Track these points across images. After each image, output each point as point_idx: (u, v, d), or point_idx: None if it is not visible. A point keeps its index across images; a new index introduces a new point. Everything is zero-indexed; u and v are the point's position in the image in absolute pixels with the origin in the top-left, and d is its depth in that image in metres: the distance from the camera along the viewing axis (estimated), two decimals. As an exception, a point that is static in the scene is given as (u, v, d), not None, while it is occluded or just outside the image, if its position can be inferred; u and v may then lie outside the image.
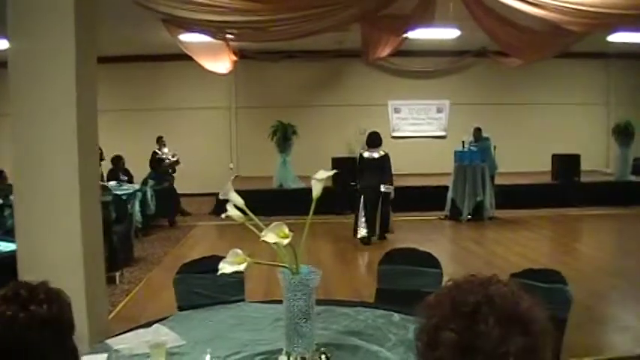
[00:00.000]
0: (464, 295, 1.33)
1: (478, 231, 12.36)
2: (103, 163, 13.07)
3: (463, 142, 13.76)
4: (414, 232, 12.28)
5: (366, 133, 11.82)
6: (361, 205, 11.24)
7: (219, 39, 12.66)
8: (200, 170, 16.10)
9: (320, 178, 2.54)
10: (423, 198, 14.16)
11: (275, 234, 2.33)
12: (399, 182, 13.40)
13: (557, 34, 12.12)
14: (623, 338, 6.00)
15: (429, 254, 3.89)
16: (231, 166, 17.84)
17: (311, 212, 2.55)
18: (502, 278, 1.39)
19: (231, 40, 12.93)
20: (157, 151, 13.95)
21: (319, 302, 3.36)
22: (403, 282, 3.73)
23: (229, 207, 2.55)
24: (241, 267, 2.37)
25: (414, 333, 1.41)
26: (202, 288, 3.70)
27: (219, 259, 2.44)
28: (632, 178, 16.52)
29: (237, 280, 3.68)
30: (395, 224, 11.77)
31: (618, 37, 14.94)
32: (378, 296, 3.87)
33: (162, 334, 3.01)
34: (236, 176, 17.15)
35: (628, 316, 6.82)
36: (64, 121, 4.50)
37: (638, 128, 16.09)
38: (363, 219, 11.14)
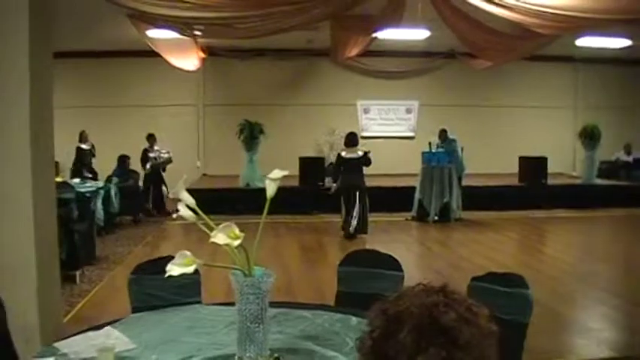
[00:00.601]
0: (397, 305, 1.32)
1: (444, 232, 12.35)
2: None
3: (430, 143, 13.74)
4: (380, 232, 12.23)
5: (341, 134, 12.81)
6: (342, 203, 11.75)
7: (186, 35, 12.54)
8: (167, 168, 15.91)
9: (274, 177, 2.45)
10: (391, 199, 14.12)
11: (225, 235, 2.24)
12: (367, 183, 13.41)
13: (525, 37, 12.17)
14: (587, 341, 5.97)
15: (390, 256, 3.82)
16: (199, 164, 17.68)
17: (265, 212, 2.46)
18: (455, 288, 1.36)
19: (199, 37, 12.83)
20: (147, 148, 13.79)
21: (277, 304, 3.29)
22: (363, 285, 3.65)
23: (181, 207, 2.45)
24: (190, 269, 2.28)
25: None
26: (157, 289, 3.58)
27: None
28: (598, 181, 16.68)
29: (193, 281, 3.56)
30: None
31: (586, 42, 15.07)
32: (337, 299, 3.79)
33: (112, 337, 2.91)
34: (203, 175, 17.02)
35: (592, 320, 6.81)
36: (17, 118, 4.36)
37: (604, 132, 16.22)
38: (349, 215, 11.54)
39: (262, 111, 16.27)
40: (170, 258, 2.39)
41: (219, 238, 2.23)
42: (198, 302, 3.60)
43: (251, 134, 14.36)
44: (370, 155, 11.72)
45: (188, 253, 2.28)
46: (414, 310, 1.27)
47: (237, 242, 2.23)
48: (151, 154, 13.86)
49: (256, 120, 14.63)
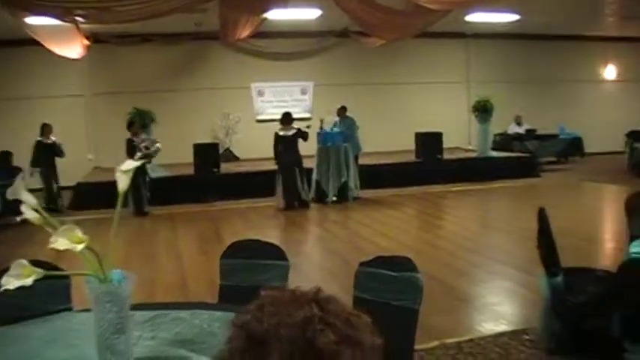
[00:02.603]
0: (259, 321, 1.10)
1: (343, 212, 12.29)
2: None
3: (322, 120, 13.54)
4: (278, 215, 12.09)
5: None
6: (280, 179, 12.50)
7: (67, 22, 11.98)
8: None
9: (126, 169, 2.18)
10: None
11: (67, 239, 1.97)
12: (265, 166, 13.25)
13: (416, 14, 12.18)
14: (484, 317, 5.96)
15: (274, 245, 3.61)
16: (90, 157, 17.01)
17: (118, 207, 2.19)
18: (328, 293, 1.16)
19: (81, 22, 12.25)
20: (132, 138, 12.87)
21: (153, 306, 3.04)
22: (247, 277, 3.43)
23: (24, 208, 2.15)
24: (29, 281, 2.00)
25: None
26: (20, 297, 3.25)
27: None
28: (493, 153, 16.99)
29: (61, 286, 3.25)
30: (260, 209, 11.90)
31: (476, 17, 15.31)
32: (220, 294, 3.57)
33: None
34: (95, 167, 16.39)
35: (490, 294, 6.82)
36: None
37: (496, 105, 16.50)
38: (282, 192, 12.48)
39: (154, 98, 15.83)
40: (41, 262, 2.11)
41: (60, 243, 1.95)
42: (69, 309, 3.30)
43: (142, 123, 13.84)
44: (305, 129, 12.60)
45: (25, 262, 2.00)
46: (283, 331, 1.06)
47: (80, 247, 1.96)
48: (142, 144, 12.87)
49: (148, 108, 14.16)
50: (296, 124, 12.72)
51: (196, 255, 9.03)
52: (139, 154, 12.32)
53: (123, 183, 2.20)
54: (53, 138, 13.28)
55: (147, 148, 12.48)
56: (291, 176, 12.48)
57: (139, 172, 12.39)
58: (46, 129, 13.26)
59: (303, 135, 12.56)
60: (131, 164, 2.19)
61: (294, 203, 12.50)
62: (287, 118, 12.70)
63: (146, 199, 12.43)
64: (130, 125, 13.01)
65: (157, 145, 12.68)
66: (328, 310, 1.10)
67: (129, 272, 2.25)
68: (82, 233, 1.99)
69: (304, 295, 1.14)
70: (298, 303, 1.11)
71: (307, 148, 12.88)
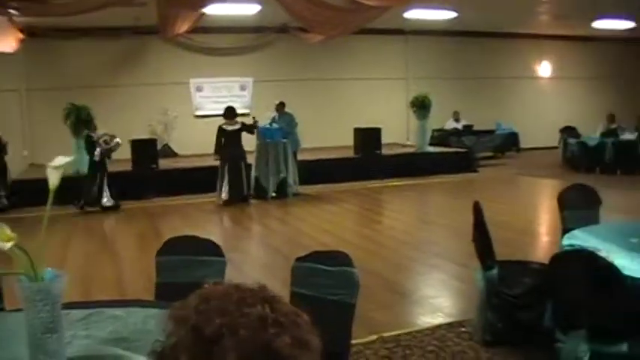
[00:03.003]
0: (208, 317, 1.04)
1: (282, 208, 12.29)
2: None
3: (253, 117, 13.44)
4: (218, 211, 12.03)
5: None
6: (225, 172, 12.39)
7: (0, 14, 11.68)
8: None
9: (57, 165, 2.14)
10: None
11: (-7, 238, 1.92)
12: (204, 162, 13.16)
13: (355, 10, 12.24)
14: (422, 309, 6.04)
15: (210, 242, 3.59)
16: (25, 153, 16.62)
17: (49, 205, 2.15)
18: (271, 291, 1.12)
19: (15, 15, 11.98)
20: (91, 134, 12.45)
21: (89, 305, 3.00)
22: (183, 274, 3.40)
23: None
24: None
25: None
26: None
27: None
28: (431, 149, 17.19)
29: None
30: (199, 205, 11.97)
31: (414, 14, 15.47)
32: (157, 291, 3.53)
33: None
34: (31, 164, 16.02)
35: (427, 287, 6.93)
36: None
37: (434, 101, 16.70)
38: (226, 186, 12.37)
39: (91, 93, 15.46)
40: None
41: (-13, 241, 1.91)
42: (1, 309, 3.23)
43: (78, 118, 13.56)
44: (254, 123, 12.85)
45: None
46: (241, 331, 1.00)
47: (8, 245, 1.92)
48: (101, 140, 12.47)
49: (84, 103, 13.88)
50: (239, 119, 12.69)
51: (134, 252, 8.91)
52: (98, 149, 12.18)
53: (54, 179, 2.16)
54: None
55: (106, 142, 12.30)
56: (236, 170, 12.45)
57: (101, 168, 12.41)
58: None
59: (249, 128, 12.66)
60: (62, 160, 2.16)
61: (238, 197, 12.42)
62: (231, 113, 12.70)
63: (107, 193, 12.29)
64: (88, 122, 12.90)
65: (117, 140, 12.52)
66: (279, 310, 1.06)
67: (63, 270, 2.22)
68: (10, 231, 1.95)
69: (253, 293, 1.09)
70: (248, 301, 1.06)
71: (247, 144, 12.83)
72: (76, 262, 8.10)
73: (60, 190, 2.22)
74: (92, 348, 2.52)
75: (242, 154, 12.63)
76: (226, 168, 12.45)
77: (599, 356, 3.50)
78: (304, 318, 1.10)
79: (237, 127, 12.59)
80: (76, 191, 11.88)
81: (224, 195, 12.42)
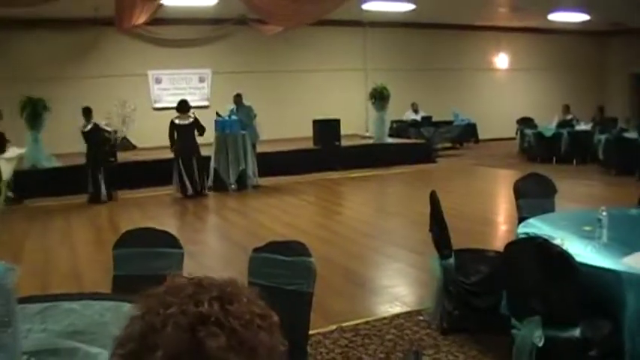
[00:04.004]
0: (155, 310, 1.00)
1: (242, 201, 12.27)
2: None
3: (217, 112, 13.58)
4: (176, 203, 11.98)
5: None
6: (181, 166, 12.28)
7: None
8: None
9: (10, 157, 2.12)
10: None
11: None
12: (163, 154, 13.06)
13: (312, 1, 12.23)
14: (380, 298, 6.10)
15: (167, 233, 3.60)
16: (-22, 146, 16.34)
17: (2, 197, 2.13)
18: (236, 289, 1.05)
19: (-32, 7, 11.76)
20: (98, 123, 12.57)
21: (45, 298, 2.98)
22: (140, 266, 3.40)
23: None
24: None
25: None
26: None
27: None
28: (390, 140, 17.29)
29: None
30: (158, 197, 12.08)
31: (373, 6, 15.52)
32: (114, 284, 3.52)
33: None
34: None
35: (386, 277, 6.99)
36: None
37: (393, 93, 16.78)
38: (187, 180, 12.30)
39: (48, 86, 15.20)
40: None
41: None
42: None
43: (34, 111, 13.34)
44: (198, 120, 12.56)
45: None
46: (170, 328, 0.96)
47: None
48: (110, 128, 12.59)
49: (41, 96, 13.67)
50: (196, 112, 12.64)
51: (92, 245, 8.84)
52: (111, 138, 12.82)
53: (7, 172, 2.14)
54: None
55: (111, 132, 12.98)
56: (188, 165, 12.32)
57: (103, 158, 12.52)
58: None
59: (199, 127, 12.49)
60: (15, 152, 2.14)
61: (192, 192, 12.30)
62: (183, 106, 12.60)
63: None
64: (88, 112, 12.69)
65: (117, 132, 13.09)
66: (228, 311, 1.00)
67: (16, 264, 2.20)
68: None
69: (208, 290, 1.03)
70: (199, 298, 1.01)
71: (206, 137, 12.77)
72: (33, 256, 8.01)
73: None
74: (48, 341, 2.51)
75: (194, 148, 12.47)
76: (180, 162, 12.34)
77: (553, 341, 3.58)
78: (269, 319, 1.06)
79: (188, 121, 12.47)
80: (33, 184, 11.76)
81: (178, 189, 12.39)
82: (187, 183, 12.30)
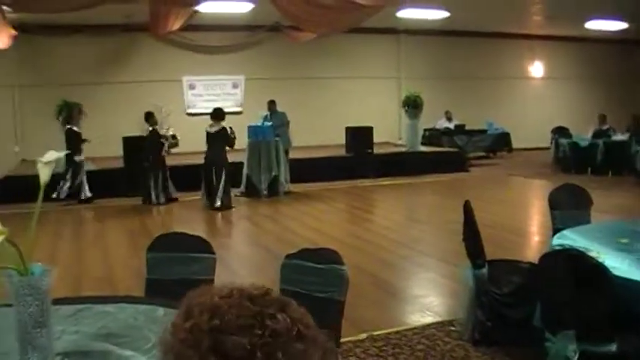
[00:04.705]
0: (195, 338, 0.99)
1: (274, 207, 12.27)
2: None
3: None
4: (206, 210, 11.99)
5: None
6: (212, 176, 11.89)
7: (-7, 11, 11.65)
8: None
9: (47, 160, 2.14)
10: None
11: (-15, 232, 1.92)
12: (194, 160, 13.10)
13: (348, 9, 12.23)
14: (412, 308, 6.07)
15: (200, 238, 3.60)
16: (17, 149, 16.57)
17: (39, 200, 2.15)
18: (276, 301, 1.05)
19: (8, 11, 11.93)
20: (155, 128, 12.79)
21: (79, 300, 3.00)
22: (173, 270, 3.41)
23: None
24: None
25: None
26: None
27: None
28: (422, 148, 17.23)
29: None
30: (189, 203, 12.12)
31: (407, 14, 15.49)
32: (147, 287, 3.53)
33: None
34: (23, 160, 15.97)
35: (417, 286, 6.95)
36: None
37: (426, 101, 16.73)
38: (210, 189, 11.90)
39: (83, 90, 15.43)
40: None
41: (-23, 236, 1.91)
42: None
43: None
44: (231, 132, 12.13)
45: None
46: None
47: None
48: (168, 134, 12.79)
49: (77, 100, 13.83)
50: (229, 118, 12.63)
51: (125, 249, 8.92)
52: (166, 143, 12.67)
53: (45, 175, 2.16)
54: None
55: (174, 137, 12.88)
56: (208, 175, 12.00)
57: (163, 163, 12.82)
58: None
59: (225, 137, 12.03)
60: (53, 155, 2.16)
61: (212, 204, 11.80)
62: (216, 114, 12.29)
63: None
64: (149, 116, 13.00)
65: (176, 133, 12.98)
66: (275, 332, 0.99)
67: (53, 266, 2.22)
68: (0, 225, 1.95)
69: (249, 308, 1.01)
70: (243, 322, 0.98)
71: (239, 143, 12.77)
72: (67, 258, 8.09)
73: (49, 186, 2.22)
74: (81, 343, 2.52)
75: (216, 157, 12.02)
76: (203, 171, 12.13)
77: (587, 356, 3.52)
78: (311, 332, 1.05)
79: (215, 129, 12.07)
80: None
81: (218, 201, 11.76)
82: (207, 194, 12.02)
